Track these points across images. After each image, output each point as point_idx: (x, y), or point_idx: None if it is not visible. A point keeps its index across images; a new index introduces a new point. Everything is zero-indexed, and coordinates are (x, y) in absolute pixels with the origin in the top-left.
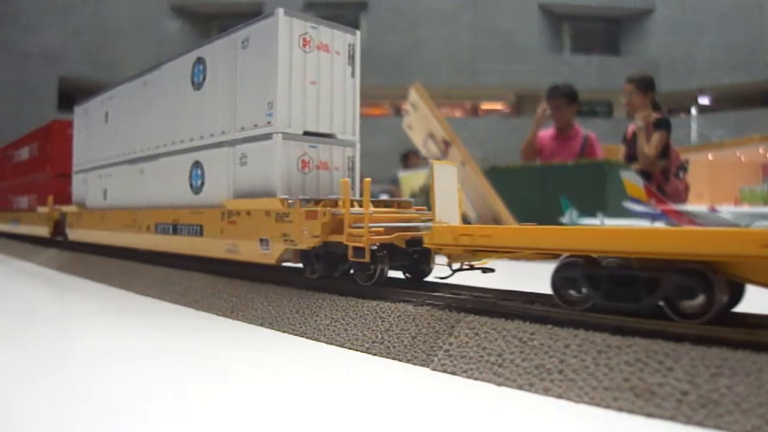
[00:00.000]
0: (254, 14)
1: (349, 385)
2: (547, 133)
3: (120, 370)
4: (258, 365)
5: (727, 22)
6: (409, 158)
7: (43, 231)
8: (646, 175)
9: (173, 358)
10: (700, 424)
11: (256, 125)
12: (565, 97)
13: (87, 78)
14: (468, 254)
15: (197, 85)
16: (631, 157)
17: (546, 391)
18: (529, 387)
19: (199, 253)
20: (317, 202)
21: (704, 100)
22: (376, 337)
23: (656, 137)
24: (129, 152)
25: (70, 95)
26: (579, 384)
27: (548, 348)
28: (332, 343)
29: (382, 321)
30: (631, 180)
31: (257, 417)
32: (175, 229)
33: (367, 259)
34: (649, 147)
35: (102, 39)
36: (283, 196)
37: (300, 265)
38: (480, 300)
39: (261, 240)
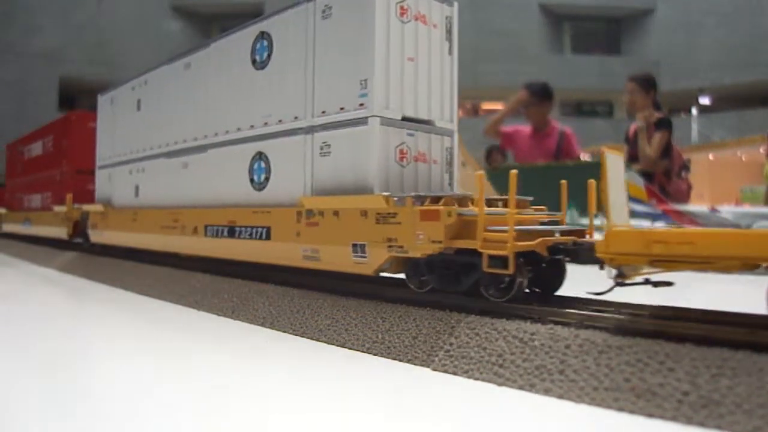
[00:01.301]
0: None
1: (350, 386)
2: (524, 130)
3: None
4: (259, 365)
5: (727, 22)
6: (493, 155)
7: (61, 232)
8: (647, 175)
9: None
10: (701, 424)
11: (342, 108)
12: (535, 95)
13: (87, 78)
14: (645, 265)
15: (260, 64)
16: (634, 157)
17: (547, 392)
18: (530, 387)
19: (264, 260)
20: (435, 199)
21: (705, 100)
22: (377, 337)
23: (657, 137)
24: (168, 144)
25: (71, 95)
26: (580, 384)
27: (549, 348)
28: (333, 343)
29: (383, 321)
30: (633, 180)
31: (257, 417)
32: (232, 232)
33: (510, 270)
34: (650, 147)
35: (103, 39)
36: (385, 193)
37: (393, 276)
38: (665, 323)
39: (355, 245)
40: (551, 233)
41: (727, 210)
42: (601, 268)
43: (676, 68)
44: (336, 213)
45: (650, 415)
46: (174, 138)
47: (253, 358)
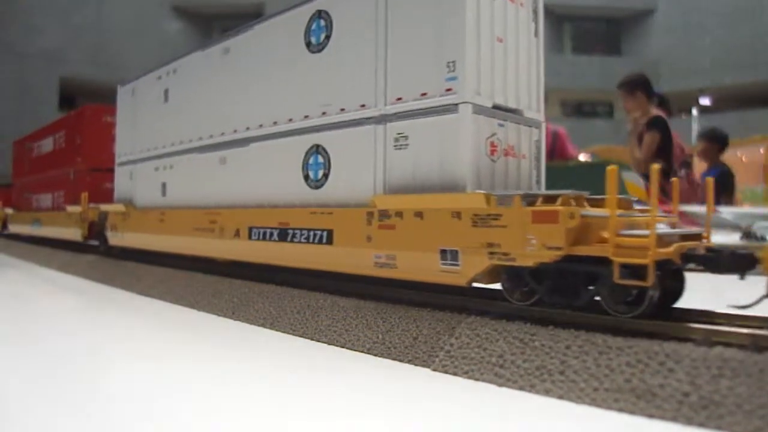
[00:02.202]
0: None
1: (350, 386)
2: None
3: None
4: (259, 366)
5: (728, 23)
6: None
7: (75, 234)
8: (646, 175)
9: None
10: (701, 425)
11: (424, 94)
12: None
13: (88, 78)
14: None
15: (316, 46)
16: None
17: (547, 393)
18: (531, 388)
19: (323, 267)
20: (549, 198)
21: (705, 101)
22: (377, 337)
23: (648, 139)
24: (202, 137)
25: (71, 95)
26: (580, 385)
27: (549, 349)
28: (333, 344)
29: (384, 321)
30: (632, 180)
31: (258, 417)
32: (284, 235)
33: (650, 282)
34: (639, 150)
35: (103, 39)
36: (479, 191)
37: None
38: None
39: (444, 252)
40: (690, 238)
41: (727, 210)
42: (742, 277)
43: (677, 69)
44: (419, 214)
45: (651, 416)
46: (209, 131)
47: (253, 358)
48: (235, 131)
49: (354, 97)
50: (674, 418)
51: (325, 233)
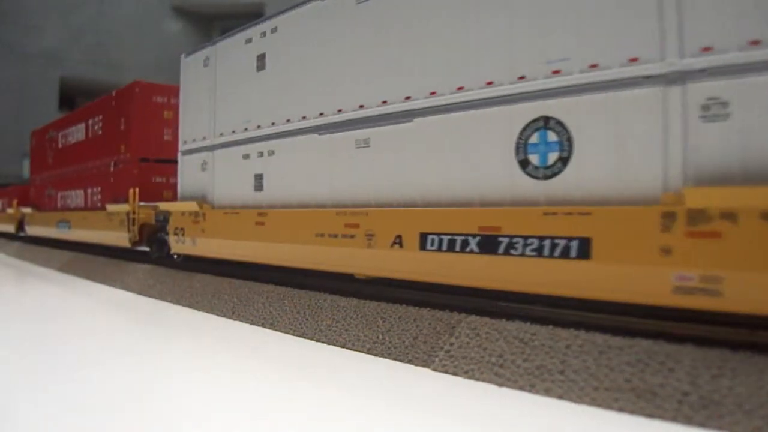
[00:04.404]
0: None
1: (350, 386)
2: None
3: None
4: (258, 365)
5: None
6: None
7: (119, 238)
8: None
9: None
10: (701, 425)
11: (756, 42)
12: None
13: (88, 78)
14: None
15: None
16: None
17: (547, 392)
18: (530, 388)
19: (567, 292)
20: None
21: None
22: (377, 337)
23: None
24: (324, 113)
25: (71, 95)
26: (580, 385)
27: (549, 348)
28: (333, 344)
29: (383, 321)
30: None
31: (256, 417)
32: (492, 245)
33: None
34: None
35: (103, 40)
36: None
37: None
38: None
39: None
40: None
41: None
42: None
43: None
44: None
45: (650, 416)
46: (337, 104)
47: (254, 357)
48: (385, 102)
49: (616, 48)
50: (674, 418)
51: (575, 243)
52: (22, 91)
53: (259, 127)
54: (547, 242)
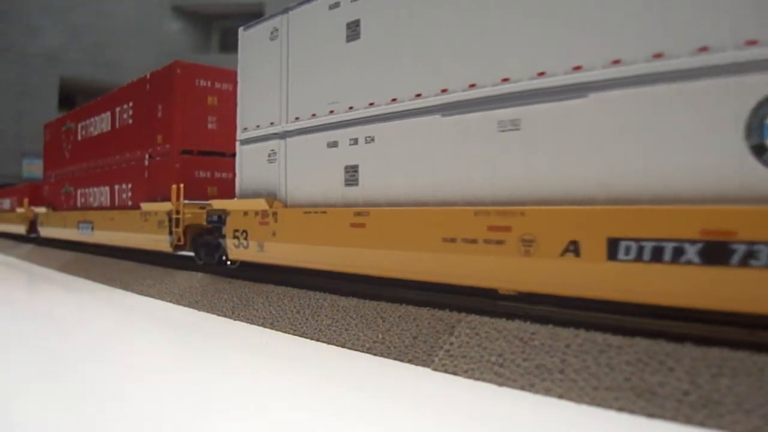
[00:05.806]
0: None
1: (350, 386)
2: None
3: None
4: (258, 365)
5: None
6: None
7: (158, 242)
8: None
9: None
10: (701, 424)
11: None
12: None
13: (88, 78)
14: None
15: None
16: None
17: (547, 392)
18: (530, 387)
19: None
20: None
21: None
22: (377, 337)
23: None
24: (449, 89)
25: (71, 95)
26: (580, 384)
27: (549, 348)
28: (333, 343)
29: (383, 321)
30: None
31: (256, 417)
32: (719, 254)
33: None
34: None
35: (103, 39)
36: None
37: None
38: None
39: None
40: None
41: None
42: None
43: None
44: None
45: (650, 415)
46: (469, 78)
47: (254, 356)
48: (543, 74)
49: None
50: (674, 417)
51: None
52: (22, 91)
53: (351, 108)
54: None
